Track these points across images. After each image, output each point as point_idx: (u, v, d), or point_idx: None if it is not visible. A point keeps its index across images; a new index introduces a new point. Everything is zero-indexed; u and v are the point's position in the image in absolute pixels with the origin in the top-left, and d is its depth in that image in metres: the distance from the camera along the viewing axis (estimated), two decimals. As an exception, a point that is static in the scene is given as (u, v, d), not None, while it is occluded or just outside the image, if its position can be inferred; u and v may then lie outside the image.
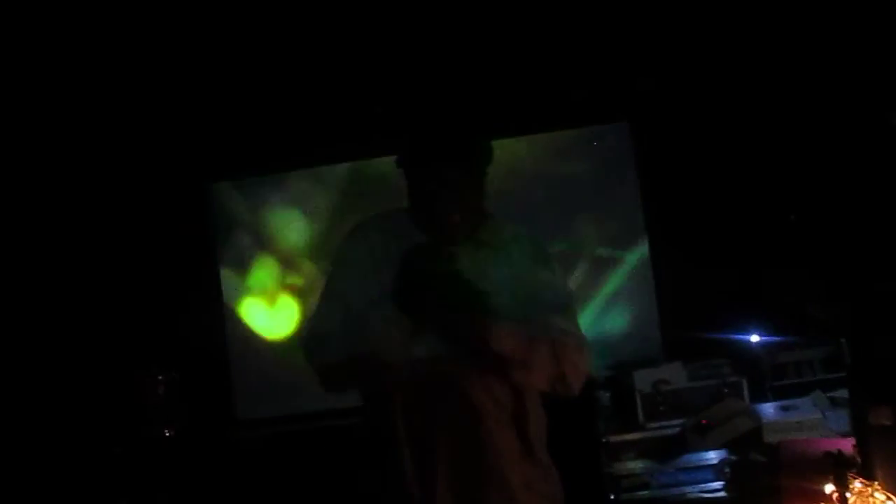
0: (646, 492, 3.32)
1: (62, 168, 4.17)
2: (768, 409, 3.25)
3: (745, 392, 3.35)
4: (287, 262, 4.43)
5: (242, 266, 4.47)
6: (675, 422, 3.34)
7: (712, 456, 3.31)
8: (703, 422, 3.13)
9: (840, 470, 2.47)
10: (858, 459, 2.56)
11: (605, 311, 4.04)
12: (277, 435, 4.28)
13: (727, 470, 3.27)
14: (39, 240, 4.10)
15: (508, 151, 3.97)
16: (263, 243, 4.45)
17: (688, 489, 3.32)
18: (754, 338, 3.71)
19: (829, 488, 2.50)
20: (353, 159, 4.34)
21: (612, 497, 3.31)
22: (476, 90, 3.82)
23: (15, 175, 4.01)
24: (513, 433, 1.75)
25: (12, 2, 3.36)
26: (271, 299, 4.45)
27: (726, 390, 3.34)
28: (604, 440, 3.37)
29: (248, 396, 4.41)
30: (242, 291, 4.48)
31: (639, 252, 4.12)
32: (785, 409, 3.15)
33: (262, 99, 4.18)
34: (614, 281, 4.08)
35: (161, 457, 4.08)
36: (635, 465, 3.33)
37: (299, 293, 4.39)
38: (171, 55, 3.88)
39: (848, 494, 2.41)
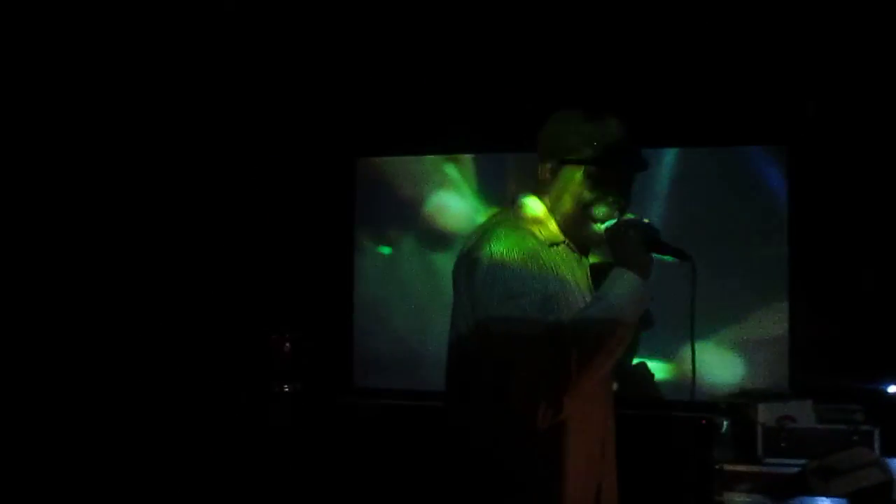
0: (755, 527, 3.23)
1: (217, 132, 4.42)
2: (899, 464, 3.09)
3: (877, 443, 3.19)
4: (423, 242, 4.55)
5: (379, 240, 4.63)
6: (795, 461, 3.22)
7: (829, 503, 3.18)
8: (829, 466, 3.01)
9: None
10: None
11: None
12: (389, 406, 4.43)
13: (844, 520, 3.14)
14: (189, 200, 4.36)
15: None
16: (403, 221, 4.58)
17: (799, 532, 3.20)
18: (893, 388, 3.55)
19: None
20: (499, 151, 4.40)
21: (718, 526, 3.25)
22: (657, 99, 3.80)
23: (170, 133, 4.26)
24: None
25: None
26: (402, 275, 4.59)
27: (856, 438, 3.19)
28: (718, 468, 3.29)
29: (366, 365, 4.57)
30: (376, 264, 4.63)
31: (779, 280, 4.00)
32: (919, 467, 2.99)
33: (416, 81, 4.30)
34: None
35: (278, 410, 4.32)
36: (747, 499, 3.25)
37: (429, 273, 4.51)
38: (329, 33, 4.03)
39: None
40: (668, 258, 1.79)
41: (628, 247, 1.73)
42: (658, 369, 3.78)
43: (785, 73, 3.79)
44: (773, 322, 3.94)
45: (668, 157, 4.04)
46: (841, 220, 3.85)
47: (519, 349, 1.64)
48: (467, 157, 4.50)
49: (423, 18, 3.90)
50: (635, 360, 3.58)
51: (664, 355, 3.86)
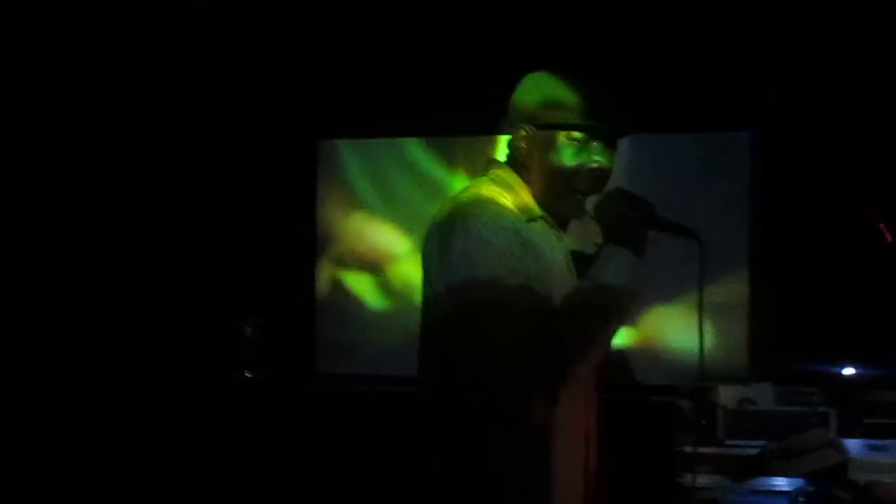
0: (715, 508, 3.28)
1: (178, 117, 4.32)
2: (855, 445, 3.15)
3: (833, 424, 3.26)
4: (386, 224, 4.51)
5: (341, 226, 4.58)
6: (754, 442, 3.27)
7: (788, 483, 3.23)
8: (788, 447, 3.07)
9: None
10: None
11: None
12: (353, 392, 4.40)
13: (802, 500, 3.19)
14: (150, 186, 4.27)
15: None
16: (366, 204, 4.54)
17: (759, 512, 3.25)
18: (849, 370, 3.61)
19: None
20: (467, 134, 4.37)
21: (679, 508, 3.29)
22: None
23: (118, 120, 4.16)
24: None
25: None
26: (364, 260, 4.55)
27: (813, 419, 3.25)
28: (679, 450, 3.33)
29: (331, 352, 4.53)
30: (337, 250, 4.59)
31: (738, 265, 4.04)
32: (874, 448, 3.04)
33: (382, 62, 4.24)
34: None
35: (238, 397, 4.27)
36: (708, 480, 3.29)
37: (394, 258, 4.48)
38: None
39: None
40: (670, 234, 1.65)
41: (622, 222, 1.58)
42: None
43: (749, 58, 3.81)
44: (733, 306, 3.99)
45: (631, 142, 4.05)
46: (800, 206, 3.90)
47: (507, 339, 1.45)
48: (432, 139, 4.47)
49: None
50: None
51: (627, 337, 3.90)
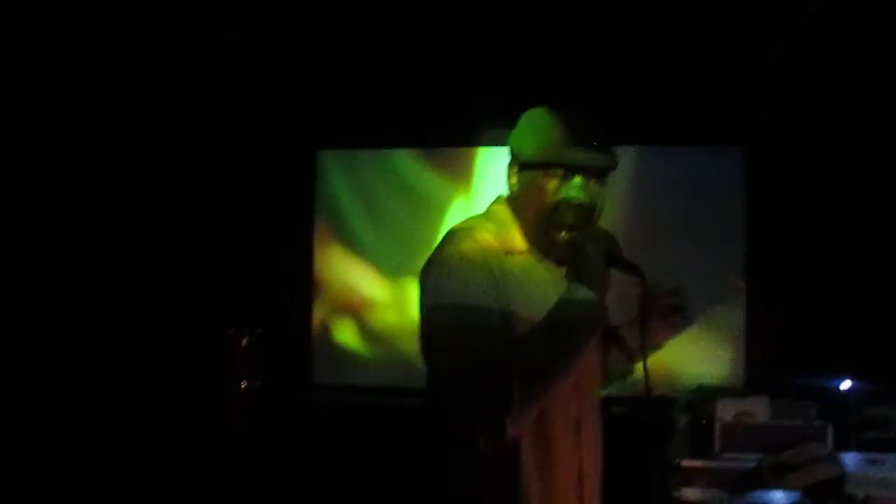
0: (711, 521, 3.26)
1: (177, 126, 4.32)
2: (851, 459, 3.14)
3: (830, 438, 3.25)
4: (384, 236, 4.51)
5: (338, 236, 4.58)
6: (751, 456, 3.26)
7: (784, 497, 3.22)
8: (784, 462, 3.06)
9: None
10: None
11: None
12: (347, 404, 4.39)
13: (798, 513, 3.19)
14: (147, 194, 4.26)
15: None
16: (364, 216, 4.54)
17: (755, 526, 3.24)
18: (845, 384, 3.61)
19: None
20: (461, 145, 4.39)
21: (675, 521, 3.27)
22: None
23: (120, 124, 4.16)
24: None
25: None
26: (361, 272, 4.55)
27: (810, 433, 3.24)
28: (675, 463, 3.32)
29: (325, 362, 4.52)
30: (335, 261, 4.58)
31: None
32: (871, 462, 3.04)
33: (379, 75, 4.26)
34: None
35: (233, 407, 4.25)
36: (705, 493, 3.28)
37: (390, 268, 4.48)
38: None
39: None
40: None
41: (584, 261, 1.57)
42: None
43: (742, 74, 3.83)
44: (729, 320, 3.99)
45: (625, 156, 4.07)
46: (796, 220, 3.92)
47: (457, 369, 1.51)
48: (430, 151, 4.48)
49: (387, 11, 3.85)
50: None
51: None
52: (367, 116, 4.39)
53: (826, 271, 3.84)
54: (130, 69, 3.90)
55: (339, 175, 4.59)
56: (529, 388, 1.50)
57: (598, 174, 1.66)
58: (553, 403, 1.59)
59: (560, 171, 1.63)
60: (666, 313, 1.73)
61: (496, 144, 4.17)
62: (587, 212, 1.65)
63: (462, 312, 1.54)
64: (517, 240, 1.68)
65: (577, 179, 1.63)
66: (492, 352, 1.50)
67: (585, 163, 1.63)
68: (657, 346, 1.79)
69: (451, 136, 4.35)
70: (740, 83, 3.89)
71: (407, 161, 4.51)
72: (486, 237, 1.65)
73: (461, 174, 4.40)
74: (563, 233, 1.64)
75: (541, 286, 1.65)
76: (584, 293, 1.54)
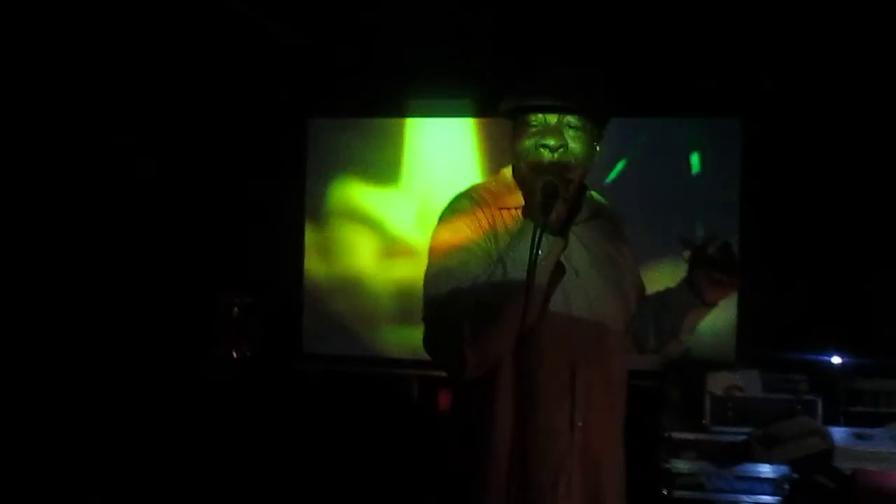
0: (699, 493, 3.29)
1: (168, 94, 4.25)
2: (839, 433, 3.17)
3: (819, 412, 3.27)
4: (375, 204, 4.48)
5: (329, 206, 4.54)
6: (741, 429, 3.29)
7: (773, 470, 3.25)
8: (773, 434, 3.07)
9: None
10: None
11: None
12: (336, 372, 4.39)
13: (786, 486, 3.22)
14: (139, 161, 4.21)
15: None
16: (355, 183, 4.50)
17: (742, 497, 3.27)
18: (835, 359, 3.63)
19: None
20: (451, 116, 4.34)
21: (664, 492, 3.30)
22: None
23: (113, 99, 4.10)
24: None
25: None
26: (352, 240, 4.52)
27: (800, 407, 3.26)
28: (665, 435, 3.34)
29: (316, 331, 4.51)
30: (325, 230, 4.55)
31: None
32: (859, 436, 3.06)
33: (370, 40, 4.19)
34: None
35: (224, 376, 4.24)
36: (693, 466, 3.30)
37: (382, 238, 4.45)
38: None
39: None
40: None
41: (533, 197, 1.57)
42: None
43: (741, 44, 3.78)
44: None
45: (622, 128, 4.03)
46: (790, 193, 3.90)
47: (427, 312, 1.67)
48: (421, 120, 4.43)
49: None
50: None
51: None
52: (357, 84, 4.33)
53: (819, 245, 3.82)
54: (120, 35, 3.83)
55: (330, 142, 4.53)
56: (479, 328, 1.56)
57: (571, 113, 1.65)
58: (538, 346, 1.65)
59: (531, 117, 1.66)
60: (710, 272, 1.75)
61: (491, 115, 4.13)
62: (552, 151, 1.65)
63: (445, 258, 1.68)
64: (514, 197, 1.73)
65: (550, 120, 1.65)
66: (458, 293, 1.60)
67: (542, 102, 1.65)
68: (710, 305, 1.82)
69: (447, 106, 4.30)
70: (740, 53, 3.84)
71: (399, 129, 4.46)
72: (483, 194, 1.76)
73: (457, 143, 4.36)
74: (534, 176, 1.64)
75: (527, 240, 1.61)
76: (528, 231, 1.53)
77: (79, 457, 3.60)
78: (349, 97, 4.41)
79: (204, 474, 3.81)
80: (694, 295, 1.79)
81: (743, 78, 3.89)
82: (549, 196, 1.54)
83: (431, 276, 1.69)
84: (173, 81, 4.22)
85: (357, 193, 4.49)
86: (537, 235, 1.48)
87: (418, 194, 4.38)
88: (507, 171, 1.79)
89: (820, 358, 3.60)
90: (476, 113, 4.30)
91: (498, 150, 4.14)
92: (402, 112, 4.43)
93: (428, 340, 1.66)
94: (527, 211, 1.62)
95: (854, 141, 3.82)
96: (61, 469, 3.50)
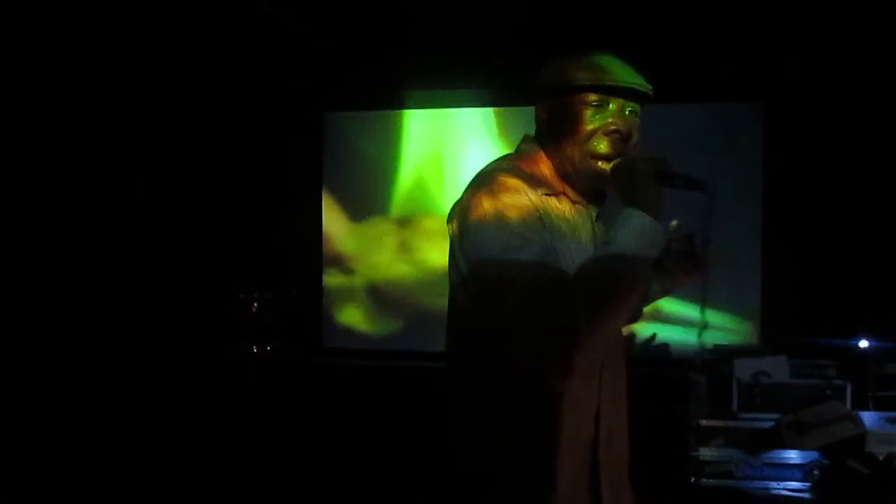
0: (728, 480, 3.25)
1: (185, 90, 4.25)
2: (870, 417, 3.13)
3: (849, 397, 3.23)
4: (393, 197, 4.46)
5: (347, 199, 4.53)
6: (769, 415, 3.25)
7: (802, 456, 3.21)
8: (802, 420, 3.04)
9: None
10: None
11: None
12: (358, 367, 4.38)
13: (816, 472, 3.18)
14: (158, 159, 4.21)
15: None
16: (372, 177, 4.49)
17: (772, 484, 3.23)
18: (864, 343, 3.59)
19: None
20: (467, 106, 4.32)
21: (692, 480, 3.27)
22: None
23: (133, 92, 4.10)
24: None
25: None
26: (371, 235, 4.51)
27: (829, 392, 3.22)
28: (693, 423, 3.30)
29: (337, 325, 4.50)
30: (344, 224, 4.54)
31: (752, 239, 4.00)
32: (890, 421, 3.02)
33: (385, 37, 4.17)
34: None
35: (244, 371, 4.24)
36: (722, 453, 3.27)
37: (401, 228, 4.43)
38: None
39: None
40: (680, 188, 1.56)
41: (636, 182, 1.51)
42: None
43: (763, 29, 3.74)
44: (746, 278, 3.95)
45: (644, 113, 3.99)
46: (814, 178, 3.86)
47: (520, 306, 1.45)
48: (437, 112, 4.41)
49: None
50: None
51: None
52: (375, 77, 4.31)
53: (844, 229, 3.79)
54: (138, 26, 3.82)
55: (347, 136, 4.52)
56: (597, 321, 1.44)
57: (635, 101, 1.60)
58: None
59: (595, 97, 1.57)
60: (678, 259, 1.68)
61: (508, 105, 4.10)
62: (624, 140, 1.58)
63: (517, 253, 1.47)
64: (549, 177, 1.63)
65: (614, 106, 1.58)
66: (553, 288, 1.45)
67: (624, 84, 1.57)
68: (668, 292, 1.77)
69: (459, 96, 4.28)
70: (762, 36, 3.79)
71: (416, 122, 4.44)
72: (527, 177, 1.58)
73: (470, 135, 4.34)
74: (599, 163, 1.58)
75: (577, 227, 1.60)
76: (637, 217, 1.48)
77: (100, 452, 3.61)
78: (364, 90, 4.40)
79: (226, 469, 3.81)
80: (659, 286, 1.76)
81: (763, 62, 3.84)
82: (666, 183, 1.53)
83: (508, 269, 1.47)
84: (191, 79, 4.22)
85: (376, 186, 4.48)
86: (651, 228, 1.48)
87: (438, 185, 4.36)
88: (532, 148, 1.67)
89: (847, 342, 3.56)
90: (492, 102, 4.28)
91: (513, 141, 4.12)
92: (420, 103, 4.41)
93: (524, 343, 1.47)
94: (625, 198, 1.53)
95: (877, 124, 3.78)
96: (79, 465, 3.51)
